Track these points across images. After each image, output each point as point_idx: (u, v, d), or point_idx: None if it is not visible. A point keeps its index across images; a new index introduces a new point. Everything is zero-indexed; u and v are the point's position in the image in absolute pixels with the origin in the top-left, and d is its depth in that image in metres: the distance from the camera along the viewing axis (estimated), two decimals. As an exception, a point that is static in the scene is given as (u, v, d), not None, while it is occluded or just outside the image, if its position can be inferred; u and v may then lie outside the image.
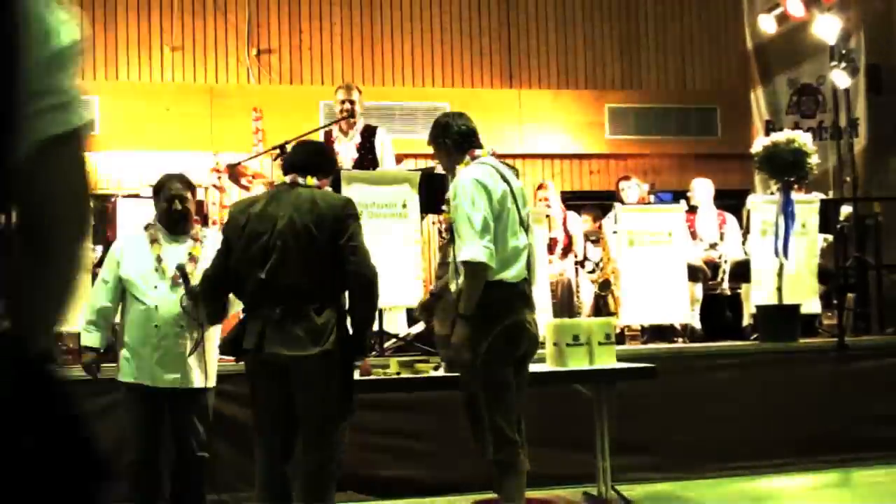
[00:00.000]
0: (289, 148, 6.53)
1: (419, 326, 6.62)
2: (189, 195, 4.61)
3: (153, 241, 4.51)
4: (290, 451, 3.99)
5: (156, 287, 4.43)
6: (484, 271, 3.98)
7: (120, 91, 9.62)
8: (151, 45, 9.86)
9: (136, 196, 7.47)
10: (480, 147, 4.32)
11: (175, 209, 4.53)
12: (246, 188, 7.97)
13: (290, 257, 3.86)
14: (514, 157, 9.77)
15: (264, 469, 4.00)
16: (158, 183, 4.67)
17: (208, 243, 4.56)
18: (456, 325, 4.05)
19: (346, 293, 4.02)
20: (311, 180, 4.05)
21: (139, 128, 9.54)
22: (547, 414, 5.92)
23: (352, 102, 7.02)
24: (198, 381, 4.48)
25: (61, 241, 1.40)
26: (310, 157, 4.19)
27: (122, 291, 4.48)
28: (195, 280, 4.36)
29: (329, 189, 4.23)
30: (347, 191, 6.20)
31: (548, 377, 5.05)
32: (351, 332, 3.97)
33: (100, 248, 6.73)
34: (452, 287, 4.18)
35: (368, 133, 7.00)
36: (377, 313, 4.89)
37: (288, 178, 4.07)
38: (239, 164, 7.91)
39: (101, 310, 4.45)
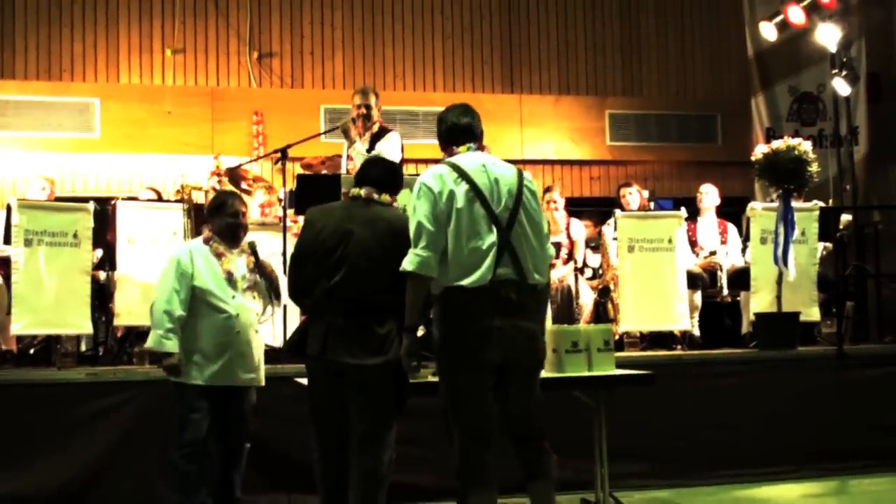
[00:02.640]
0: (289, 152, 6.56)
1: (419, 331, 6.60)
2: (245, 210, 5.05)
3: (219, 254, 4.86)
4: (347, 451, 4.14)
5: (233, 297, 4.82)
6: (416, 280, 3.84)
7: (121, 94, 9.63)
8: (152, 49, 9.87)
9: (137, 199, 7.46)
10: (471, 143, 4.11)
11: (238, 224, 4.93)
12: (247, 192, 7.97)
13: (358, 271, 4.02)
14: (515, 162, 9.70)
15: (322, 465, 4.19)
16: (219, 201, 5.04)
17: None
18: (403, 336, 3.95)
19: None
20: (385, 197, 4.22)
21: (140, 131, 9.55)
22: (545, 420, 5.91)
23: (367, 107, 6.92)
24: (262, 377, 4.94)
25: None
26: (385, 174, 4.31)
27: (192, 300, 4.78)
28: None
29: (398, 209, 4.34)
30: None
31: (546, 383, 5.03)
32: None
33: (99, 252, 6.73)
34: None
35: (376, 137, 6.93)
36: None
37: (363, 192, 4.21)
38: (239, 167, 7.92)
39: (179, 318, 4.73)
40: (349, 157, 6.97)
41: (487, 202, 3.88)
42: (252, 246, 4.95)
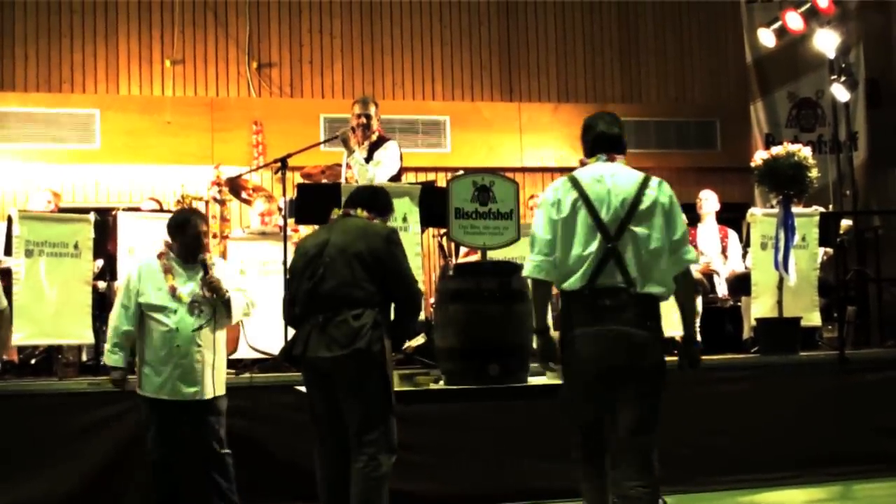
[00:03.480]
0: (289, 161, 6.57)
1: (420, 339, 6.61)
2: (206, 229, 5.25)
3: (167, 270, 5.04)
4: (346, 458, 4.26)
5: (175, 311, 4.97)
6: (534, 283, 4.07)
7: (120, 104, 9.65)
8: (152, 59, 9.88)
9: (137, 209, 7.47)
10: (602, 154, 4.16)
11: (199, 243, 5.09)
12: (247, 201, 7.99)
13: (335, 270, 4.28)
14: (514, 170, 9.79)
15: (322, 470, 4.36)
16: (182, 218, 5.19)
17: (217, 268, 5.15)
18: None
19: (392, 305, 4.41)
20: (361, 212, 4.53)
21: (140, 141, 9.56)
22: (547, 427, 5.92)
23: (367, 117, 6.96)
24: (210, 391, 5.02)
25: None
26: (362, 196, 4.70)
27: (140, 314, 5.00)
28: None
29: (377, 221, 4.58)
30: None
31: (547, 390, 5.05)
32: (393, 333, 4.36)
33: (100, 262, 6.74)
34: None
35: (375, 147, 6.95)
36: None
37: (342, 211, 4.59)
38: (239, 177, 7.93)
39: (125, 332, 4.99)
40: (348, 166, 6.99)
41: (595, 211, 3.95)
42: (202, 261, 5.06)
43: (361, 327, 4.17)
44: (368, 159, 6.86)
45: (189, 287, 5.02)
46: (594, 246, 3.91)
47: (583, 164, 4.23)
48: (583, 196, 3.96)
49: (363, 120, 6.93)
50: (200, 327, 4.99)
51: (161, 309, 4.96)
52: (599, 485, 4.00)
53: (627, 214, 3.95)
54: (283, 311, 4.64)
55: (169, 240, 5.17)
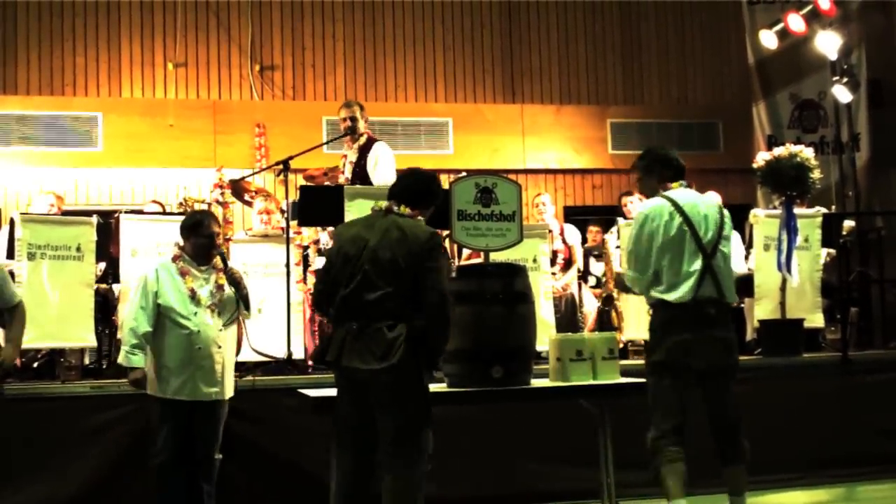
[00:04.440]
0: (292, 164, 6.58)
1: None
2: (219, 230, 5.27)
3: (184, 273, 5.07)
4: (368, 468, 4.18)
5: (195, 314, 5.01)
6: (629, 289, 4.94)
7: (123, 107, 9.66)
8: (154, 62, 9.90)
9: (140, 212, 7.48)
10: (683, 181, 4.88)
11: (212, 244, 5.12)
12: (249, 204, 7.99)
13: (372, 279, 4.12)
14: (517, 172, 9.80)
15: (339, 478, 4.25)
16: (195, 220, 5.19)
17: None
18: None
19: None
20: (405, 209, 4.32)
21: (142, 144, 9.57)
22: (550, 429, 5.91)
23: (353, 119, 7.03)
24: (229, 391, 5.15)
25: None
26: (408, 188, 4.43)
27: (158, 316, 5.01)
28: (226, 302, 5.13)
29: (420, 220, 4.37)
30: (350, 206, 6.20)
31: (550, 392, 5.04)
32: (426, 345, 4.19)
33: (103, 265, 6.74)
34: None
35: (365, 149, 6.99)
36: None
37: (385, 205, 4.37)
38: (242, 179, 7.93)
39: (145, 334, 4.97)
40: (341, 171, 7.09)
41: (697, 233, 4.67)
42: (221, 254, 5.18)
43: (395, 340, 4.04)
44: (358, 161, 6.91)
45: (206, 289, 5.07)
46: (698, 264, 4.62)
47: (666, 188, 4.82)
48: (686, 219, 4.67)
49: (349, 123, 6.98)
50: (221, 329, 5.06)
51: (181, 312, 4.98)
52: (683, 467, 4.71)
53: (717, 236, 4.71)
54: (312, 299, 4.62)
55: (181, 242, 5.19)
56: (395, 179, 4.66)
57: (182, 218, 6.52)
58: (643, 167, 4.96)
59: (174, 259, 5.13)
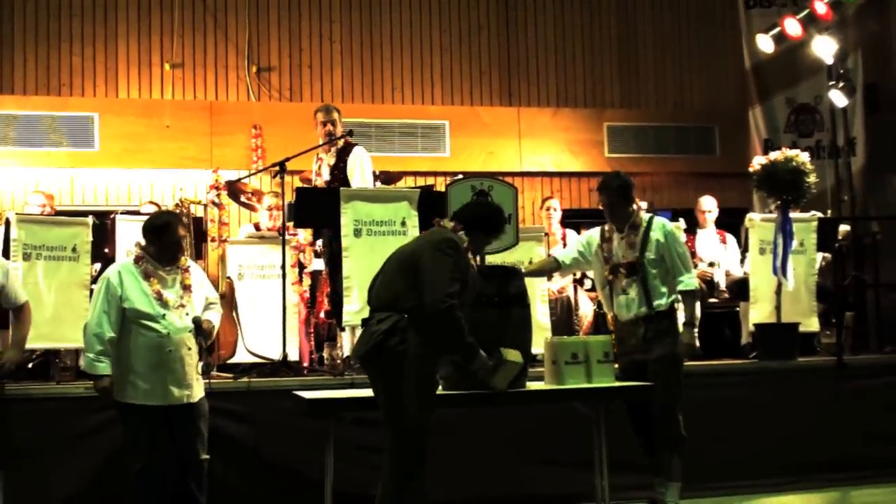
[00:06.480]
0: (288, 165, 6.58)
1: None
2: (185, 233, 5.21)
3: (148, 275, 4.89)
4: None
5: (164, 316, 4.84)
6: (692, 294, 5.50)
7: (120, 108, 9.65)
8: (151, 63, 9.88)
9: (136, 213, 7.47)
10: None
11: (179, 247, 4.98)
12: (245, 205, 8.00)
13: (383, 274, 4.40)
14: (514, 175, 9.80)
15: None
16: (162, 222, 5.01)
17: (193, 272, 5.06)
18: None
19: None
20: (448, 223, 4.55)
21: (138, 145, 9.56)
22: (545, 432, 5.91)
23: (333, 123, 6.99)
24: (199, 392, 4.98)
25: None
26: (463, 210, 4.73)
27: (121, 321, 4.82)
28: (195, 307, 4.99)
29: (462, 233, 4.50)
30: (346, 208, 6.20)
31: (545, 395, 5.05)
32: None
33: (98, 266, 6.74)
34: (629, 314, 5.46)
35: (344, 152, 6.97)
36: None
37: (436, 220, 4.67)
38: (238, 181, 7.94)
39: (110, 339, 4.78)
40: (318, 174, 7.10)
41: None
42: (196, 320, 4.92)
43: (377, 331, 4.18)
44: (336, 164, 6.89)
45: (172, 290, 4.91)
46: None
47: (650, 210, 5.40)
48: None
49: (330, 127, 6.94)
50: (190, 330, 4.90)
51: (149, 315, 4.80)
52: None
53: None
54: None
55: (143, 242, 5.00)
56: (467, 205, 4.96)
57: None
58: (619, 195, 5.41)
59: (136, 261, 4.93)
